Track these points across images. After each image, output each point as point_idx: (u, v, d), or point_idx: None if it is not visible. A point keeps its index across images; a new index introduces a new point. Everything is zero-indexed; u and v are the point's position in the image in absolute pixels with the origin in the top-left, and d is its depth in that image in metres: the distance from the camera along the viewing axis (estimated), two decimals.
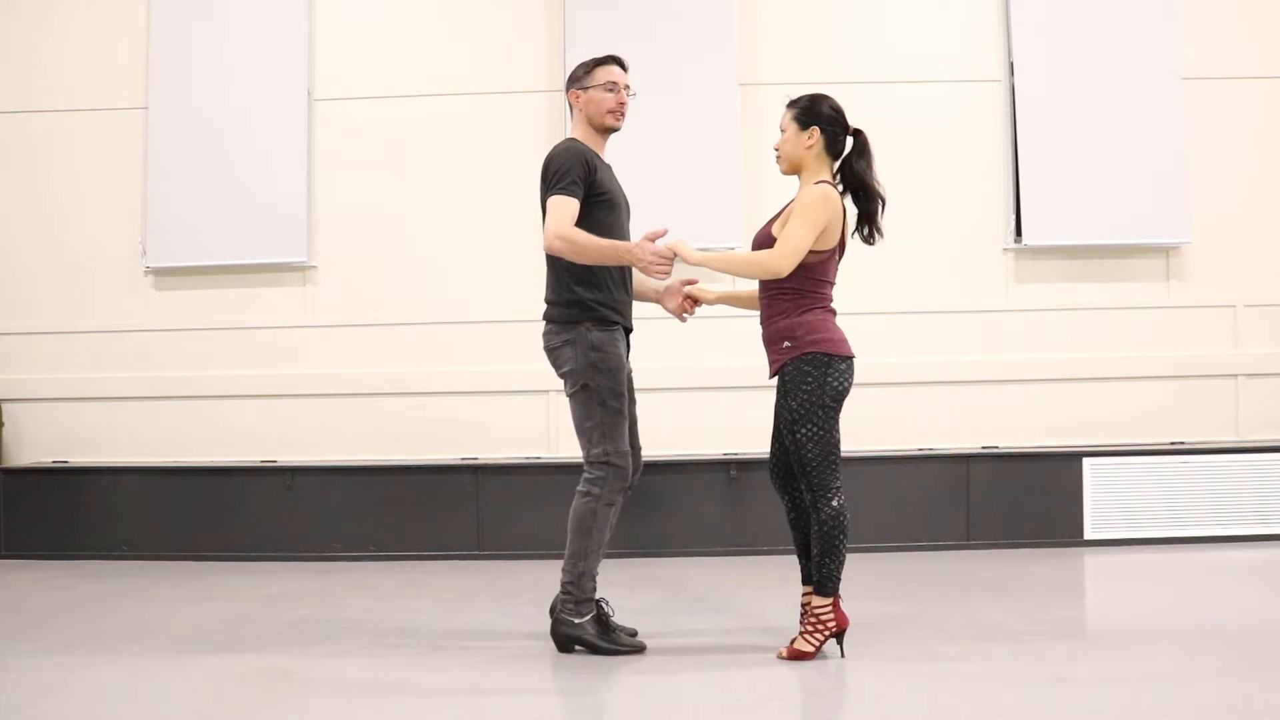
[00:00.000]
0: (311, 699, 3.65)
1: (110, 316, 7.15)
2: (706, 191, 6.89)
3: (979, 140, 7.08)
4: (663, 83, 6.91)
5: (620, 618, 4.31)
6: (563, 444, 6.92)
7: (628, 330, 4.35)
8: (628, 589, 5.36)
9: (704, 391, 6.92)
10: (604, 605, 4.27)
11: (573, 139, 4.33)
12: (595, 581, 4.24)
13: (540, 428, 6.97)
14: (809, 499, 4.01)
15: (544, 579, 5.78)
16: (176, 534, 6.58)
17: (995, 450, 6.69)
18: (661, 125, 6.88)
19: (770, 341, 4.12)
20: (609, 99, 4.30)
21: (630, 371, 4.34)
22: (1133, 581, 5.61)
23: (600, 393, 4.18)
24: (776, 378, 4.12)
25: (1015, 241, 7.02)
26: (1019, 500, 6.49)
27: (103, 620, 4.92)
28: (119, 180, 7.16)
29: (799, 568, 4.18)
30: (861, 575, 5.65)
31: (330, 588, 5.66)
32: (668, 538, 6.41)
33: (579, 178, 4.13)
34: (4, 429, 7.04)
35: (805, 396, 3.98)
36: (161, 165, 7.07)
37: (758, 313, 4.22)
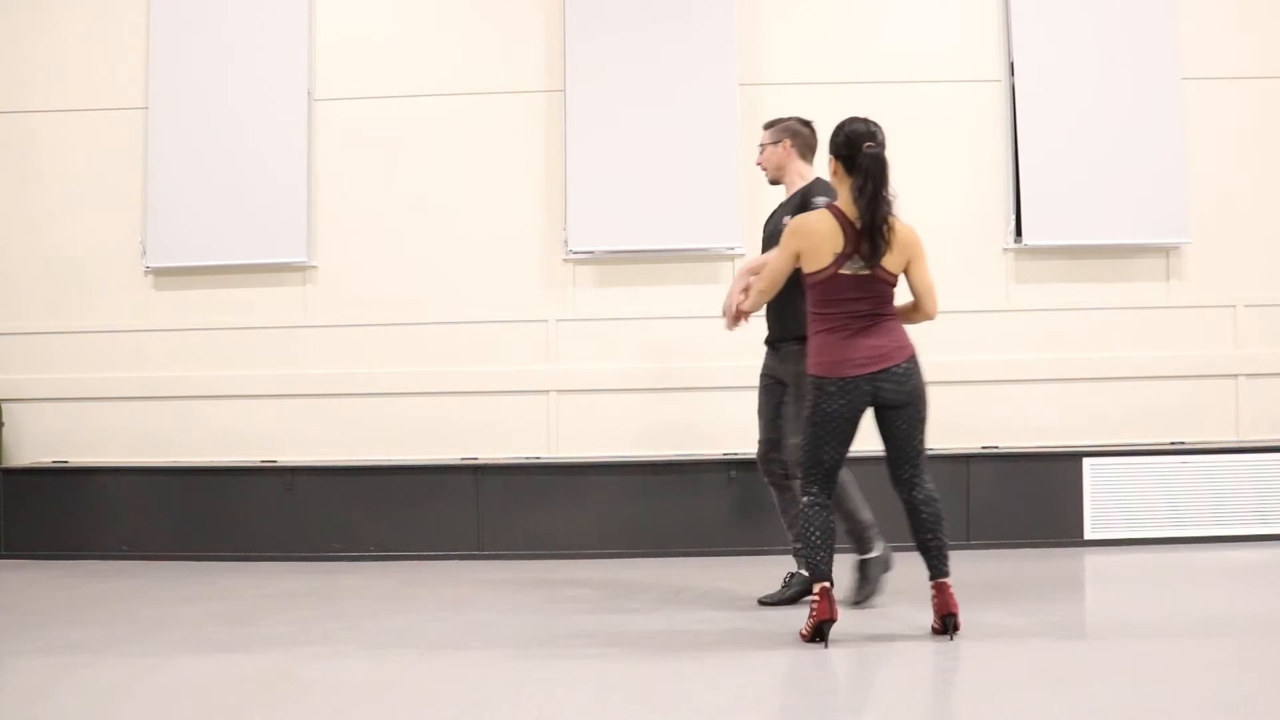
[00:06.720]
0: (311, 699, 3.64)
1: (110, 316, 7.15)
2: (706, 192, 6.89)
3: (979, 140, 7.07)
4: (662, 83, 6.92)
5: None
6: (563, 444, 6.93)
7: (768, 344, 5.05)
8: (628, 589, 5.36)
9: (705, 391, 6.91)
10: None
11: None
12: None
13: (540, 428, 6.96)
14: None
15: (544, 579, 5.78)
16: (176, 534, 6.58)
17: (995, 450, 6.69)
18: (661, 125, 6.89)
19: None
20: None
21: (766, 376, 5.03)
22: (1133, 581, 5.61)
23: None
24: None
25: (1015, 241, 7.01)
26: (1019, 500, 6.48)
27: (103, 620, 4.91)
28: (119, 180, 7.16)
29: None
30: None
31: (330, 588, 5.66)
32: (668, 538, 6.40)
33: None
34: (4, 429, 7.04)
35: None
36: (161, 165, 7.07)
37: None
